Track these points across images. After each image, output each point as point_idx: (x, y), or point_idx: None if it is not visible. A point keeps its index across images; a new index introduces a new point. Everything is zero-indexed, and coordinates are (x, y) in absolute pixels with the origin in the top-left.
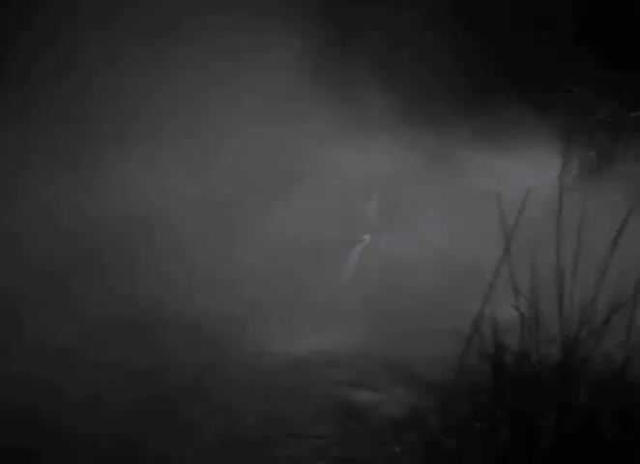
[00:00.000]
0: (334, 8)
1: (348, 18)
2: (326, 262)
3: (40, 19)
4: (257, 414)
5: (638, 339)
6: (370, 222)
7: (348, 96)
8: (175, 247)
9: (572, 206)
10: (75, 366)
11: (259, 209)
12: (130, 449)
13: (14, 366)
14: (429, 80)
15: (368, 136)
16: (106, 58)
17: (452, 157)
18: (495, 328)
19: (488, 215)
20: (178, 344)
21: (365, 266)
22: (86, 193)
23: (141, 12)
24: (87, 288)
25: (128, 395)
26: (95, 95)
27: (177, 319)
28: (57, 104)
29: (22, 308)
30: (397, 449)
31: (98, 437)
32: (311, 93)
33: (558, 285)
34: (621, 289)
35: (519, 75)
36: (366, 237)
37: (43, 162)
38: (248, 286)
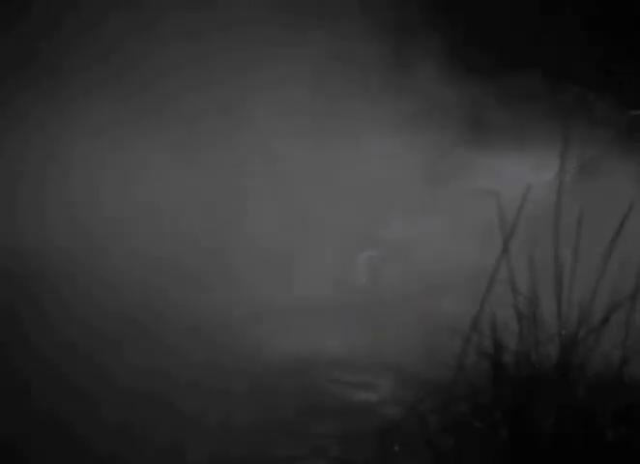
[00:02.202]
0: None
1: None
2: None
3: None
4: (257, 413)
5: (637, 338)
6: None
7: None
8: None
9: (571, 205)
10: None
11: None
12: (130, 449)
13: None
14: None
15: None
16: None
17: (450, 156)
18: (494, 327)
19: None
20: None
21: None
22: None
23: None
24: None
25: (127, 395)
26: None
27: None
28: None
29: None
30: (396, 448)
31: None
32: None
33: (556, 284)
34: (619, 288)
35: (518, 75)
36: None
37: None
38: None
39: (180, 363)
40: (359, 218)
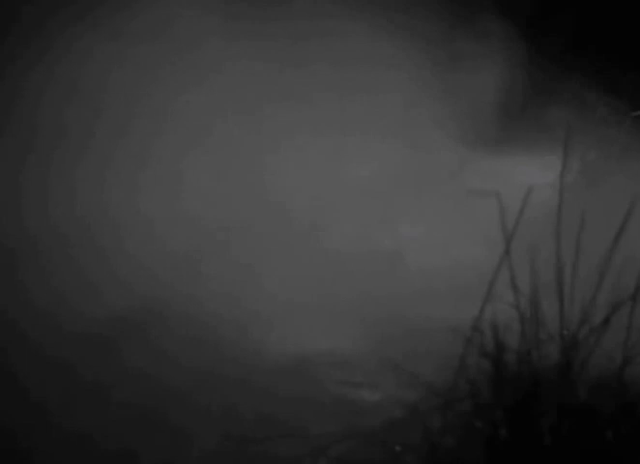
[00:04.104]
0: None
1: None
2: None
3: None
4: (258, 413)
5: (638, 338)
6: None
7: None
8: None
9: (572, 206)
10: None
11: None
12: (129, 451)
13: None
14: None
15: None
16: None
17: (451, 156)
18: (496, 327)
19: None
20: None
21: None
22: None
23: None
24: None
25: (129, 394)
26: None
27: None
28: None
29: None
30: (398, 448)
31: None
32: None
33: (558, 284)
34: (620, 288)
35: (520, 76)
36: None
37: None
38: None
39: (183, 361)
40: (360, 219)
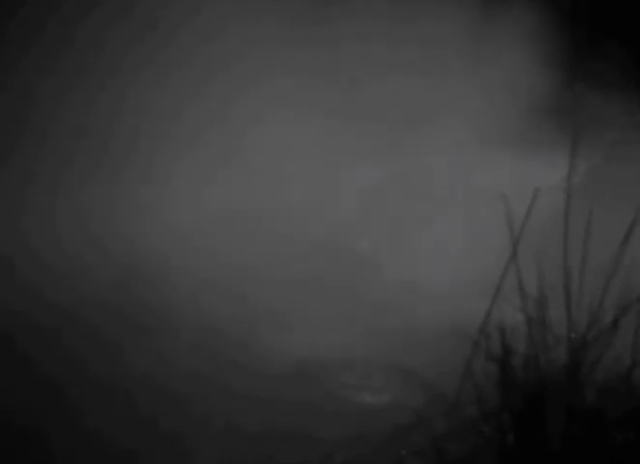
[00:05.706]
0: None
1: None
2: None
3: None
4: (262, 416)
5: None
6: None
7: None
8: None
9: (579, 208)
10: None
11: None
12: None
13: None
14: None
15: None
16: None
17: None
18: (502, 330)
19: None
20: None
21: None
22: None
23: None
24: None
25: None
26: None
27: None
28: None
29: None
30: (403, 452)
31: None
32: None
33: (565, 288)
34: (628, 291)
35: (526, 77)
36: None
37: None
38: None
39: (186, 363)
40: (366, 220)
